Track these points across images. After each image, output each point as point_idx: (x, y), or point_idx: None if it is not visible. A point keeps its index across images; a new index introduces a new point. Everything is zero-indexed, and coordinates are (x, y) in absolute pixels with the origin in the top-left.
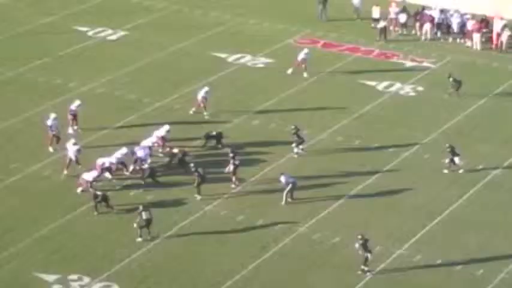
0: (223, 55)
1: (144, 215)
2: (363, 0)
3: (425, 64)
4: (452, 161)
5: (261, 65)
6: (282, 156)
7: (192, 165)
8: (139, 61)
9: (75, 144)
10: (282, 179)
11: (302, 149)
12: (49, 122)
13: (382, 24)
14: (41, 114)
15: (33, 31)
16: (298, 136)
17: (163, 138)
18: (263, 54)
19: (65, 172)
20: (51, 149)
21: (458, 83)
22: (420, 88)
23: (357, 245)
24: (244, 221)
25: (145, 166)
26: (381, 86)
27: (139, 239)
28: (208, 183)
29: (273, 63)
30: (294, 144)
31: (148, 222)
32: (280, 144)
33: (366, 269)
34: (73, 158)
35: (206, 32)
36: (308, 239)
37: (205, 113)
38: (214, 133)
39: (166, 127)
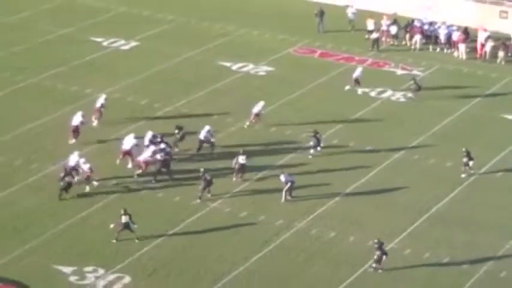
0: (228, 64)
1: (123, 219)
2: (356, 14)
3: (414, 72)
4: (467, 164)
5: (263, 73)
6: (282, 157)
7: (202, 170)
8: (150, 69)
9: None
10: (282, 177)
11: (318, 151)
12: (78, 119)
13: (374, 35)
14: (58, 119)
15: (51, 41)
16: (317, 139)
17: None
18: (265, 63)
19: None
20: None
21: (418, 87)
22: (410, 94)
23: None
24: (247, 218)
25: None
26: (373, 93)
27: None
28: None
29: (274, 71)
30: (312, 145)
31: (126, 226)
32: (280, 146)
33: (378, 266)
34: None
35: (212, 42)
36: (306, 234)
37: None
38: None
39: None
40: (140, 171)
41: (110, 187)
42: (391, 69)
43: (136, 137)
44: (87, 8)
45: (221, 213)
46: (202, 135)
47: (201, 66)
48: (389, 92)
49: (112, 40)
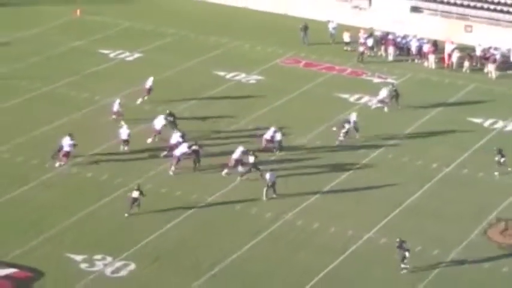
0: (222, 73)
1: (134, 194)
2: (337, 28)
3: (389, 80)
4: (500, 162)
5: (254, 81)
6: (271, 156)
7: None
8: (153, 78)
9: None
10: (267, 175)
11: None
12: (115, 108)
13: (361, 49)
14: (70, 122)
15: (64, 53)
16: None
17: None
18: (255, 72)
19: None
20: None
21: (397, 94)
22: (386, 100)
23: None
24: (240, 210)
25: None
26: (352, 98)
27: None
28: (207, 179)
29: (264, 80)
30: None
31: (134, 201)
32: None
33: (405, 266)
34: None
35: (208, 53)
36: (293, 225)
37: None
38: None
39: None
40: (173, 166)
41: (117, 183)
42: (368, 78)
43: (165, 118)
44: (96, 23)
45: (217, 207)
46: (268, 135)
47: (198, 75)
48: (366, 98)
49: (118, 52)
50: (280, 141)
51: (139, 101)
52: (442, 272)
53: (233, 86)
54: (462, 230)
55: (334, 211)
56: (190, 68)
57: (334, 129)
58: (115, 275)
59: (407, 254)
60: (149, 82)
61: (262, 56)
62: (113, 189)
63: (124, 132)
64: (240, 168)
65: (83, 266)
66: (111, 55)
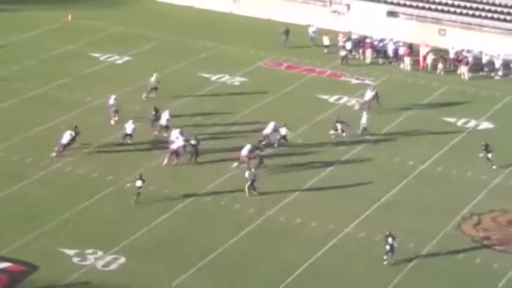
0: (207, 75)
1: (138, 183)
2: (317, 32)
3: (367, 82)
4: (487, 158)
5: (238, 83)
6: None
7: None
8: (141, 80)
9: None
10: (247, 174)
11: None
12: (111, 102)
13: (343, 53)
14: (63, 122)
15: (57, 56)
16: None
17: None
18: (239, 74)
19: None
20: (112, 122)
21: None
22: (362, 100)
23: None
24: (225, 206)
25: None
26: (332, 99)
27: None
28: (193, 176)
29: (247, 81)
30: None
31: (138, 189)
32: (254, 142)
33: (390, 257)
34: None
35: (194, 56)
36: (276, 220)
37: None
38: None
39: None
40: (175, 161)
41: (108, 180)
42: (347, 79)
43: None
44: (87, 28)
45: (203, 202)
46: (268, 130)
47: (185, 77)
48: (345, 99)
49: (108, 55)
50: (284, 136)
51: (144, 96)
52: (419, 264)
53: (218, 88)
54: (437, 224)
55: (315, 207)
56: (177, 71)
57: (332, 132)
58: (106, 268)
59: (387, 247)
60: (153, 79)
61: (245, 58)
62: (104, 186)
63: (129, 126)
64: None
65: (75, 260)
66: (102, 58)
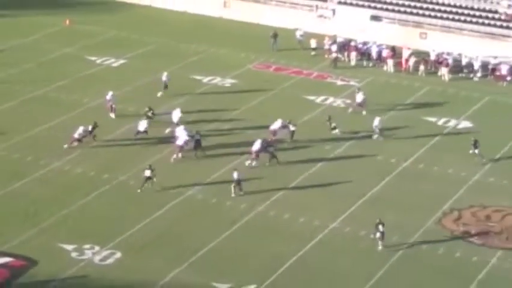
0: (199, 77)
1: (146, 173)
2: (304, 35)
3: (352, 83)
4: (475, 153)
5: (228, 85)
6: (244, 152)
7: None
8: (136, 82)
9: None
10: (235, 174)
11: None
12: (108, 97)
13: (334, 55)
14: (61, 123)
15: (55, 60)
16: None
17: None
18: (230, 76)
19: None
20: (113, 116)
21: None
22: (348, 101)
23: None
24: (217, 203)
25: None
26: (319, 100)
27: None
28: (185, 174)
29: (237, 83)
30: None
31: (147, 179)
32: (243, 143)
33: (382, 243)
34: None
35: (187, 59)
36: (265, 216)
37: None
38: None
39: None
40: (179, 155)
41: (104, 178)
42: (333, 81)
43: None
44: (84, 32)
45: (195, 200)
46: (276, 127)
47: (178, 79)
48: (331, 99)
49: (104, 58)
50: (293, 132)
51: (159, 94)
52: (401, 257)
53: (210, 89)
54: (419, 219)
55: (302, 203)
56: (170, 73)
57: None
58: (103, 262)
59: (378, 234)
60: (164, 77)
61: (236, 61)
62: (100, 184)
63: (142, 125)
64: (253, 163)
65: (74, 254)
66: (98, 61)
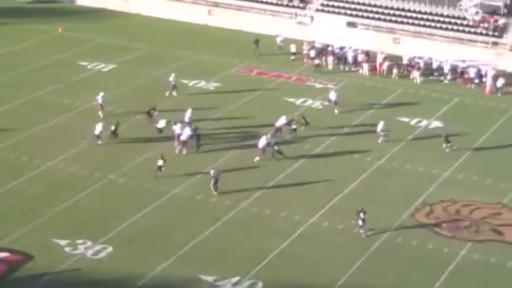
0: (185, 81)
1: (159, 162)
2: (284, 41)
3: (329, 86)
4: (447, 147)
5: (213, 88)
6: (228, 151)
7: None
8: (125, 86)
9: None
10: (211, 172)
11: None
12: (99, 97)
13: (317, 61)
14: (55, 125)
15: (48, 65)
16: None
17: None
18: (214, 80)
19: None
20: (101, 115)
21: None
22: (326, 103)
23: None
24: (202, 200)
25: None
26: (298, 102)
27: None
28: (172, 173)
29: (221, 86)
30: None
31: (159, 168)
32: (228, 142)
33: (365, 229)
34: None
35: (173, 64)
36: (248, 212)
37: None
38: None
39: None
40: (184, 150)
41: (95, 177)
42: (311, 84)
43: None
44: (76, 39)
45: (182, 197)
46: (279, 123)
47: (165, 83)
48: (310, 101)
49: (95, 64)
50: (295, 129)
51: (167, 93)
52: (377, 250)
53: (195, 92)
54: (393, 214)
55: (283, 199)
56: (157, 77)
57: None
58: (95, 256)
59: (360, 222)
60: (171, 78)
61: (220, 66)
62: (92, 182)
63: (161, 123)
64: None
65: (67, 249)
66: (89, 66)
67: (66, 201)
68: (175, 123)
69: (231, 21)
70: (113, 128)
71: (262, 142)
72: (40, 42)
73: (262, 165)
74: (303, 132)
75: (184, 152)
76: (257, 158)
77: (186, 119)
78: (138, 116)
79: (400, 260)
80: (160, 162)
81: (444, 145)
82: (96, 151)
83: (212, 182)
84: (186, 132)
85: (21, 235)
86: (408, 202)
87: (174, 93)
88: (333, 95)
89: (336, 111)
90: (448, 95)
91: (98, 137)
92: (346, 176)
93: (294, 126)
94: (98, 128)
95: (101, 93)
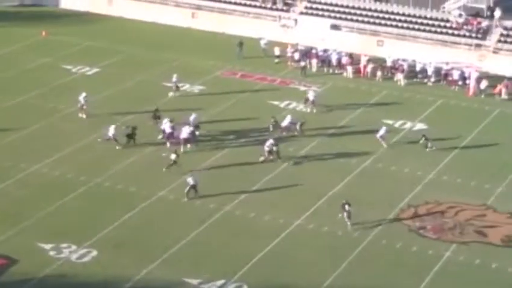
0: (170, 84)
1: (173, 156)
2: (268, 44)
3: (313, 88)
4: (426, 145)
5: (197, 91)
6: (213, 154)
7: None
8: (109, 89)
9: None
10: (190, 179)
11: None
12: (80, 98)
13: (302, 63)
14: (40, 128)
15: (33, 69)
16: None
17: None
18: (199, 83)
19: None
20: (84, 116)
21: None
22: (309, 110)
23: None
24: (187, 203)
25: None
26: (282, 104)
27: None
28: (156, 176)
29: (206, 89)
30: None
31: (174, 162)
32: (212, 145)
33: (350, 222)
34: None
35: (158, 67)
36: (232, 215)
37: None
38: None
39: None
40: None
41: (80, 181)
42: (295, 86)
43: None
44: (60, 42)
45: (167, 200)
46: (285, 123)
47: (150, 86)
48: (294, 104)
49: (79, 67)
50: (302, 125)
51: (170, 94)
52: (362, 252)
53: (180, 95)
54: (378, 215)
55: (268, 202)
56: (142, 81)
57: None
58: (79, 260)
59: (345, 214)
60: (174, 79)
61: (204, 69)
62: (77, 186)
63: (167, 125)
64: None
65: (52, 253)
66: (73, 70)
67: (51, 204)
68: (197, 128)
69: (214, 24)
70: (127, 131)
71: (267, 143)
72: (24, 46)
73: (246, 168)
74: (286, 134)
75: (181, 150)
76: (262, 158)
77: (191, 123)
78: (124, 119)
79: (385, 261)
80: (173, 157)
81: (426, 146)
82: (82, 154)
83: (187, 187)
84: (186, 130)
85: (5, 239)
86: (393, 204)
87: (177, 94)
88: (311, 95)
89: (314, 110)
90: (432, 97)
91: (115, 140)
92: (331, 178)
93: (301, 122)
94: (111, 130)
95: (83, 94)
